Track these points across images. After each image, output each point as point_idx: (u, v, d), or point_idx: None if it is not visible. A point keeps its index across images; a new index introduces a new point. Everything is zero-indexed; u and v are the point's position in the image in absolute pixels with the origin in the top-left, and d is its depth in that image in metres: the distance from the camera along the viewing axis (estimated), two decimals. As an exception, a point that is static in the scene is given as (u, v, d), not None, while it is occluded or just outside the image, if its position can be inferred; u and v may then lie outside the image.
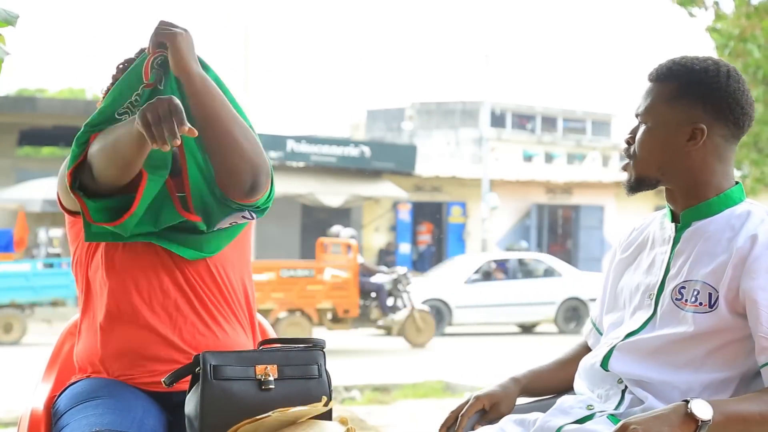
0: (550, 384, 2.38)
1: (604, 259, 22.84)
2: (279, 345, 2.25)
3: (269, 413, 2.02)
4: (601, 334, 2.32)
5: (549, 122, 36.11)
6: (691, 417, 1.87)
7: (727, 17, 11.41)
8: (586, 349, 2.38)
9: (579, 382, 2.23)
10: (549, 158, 33.75)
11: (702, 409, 1.87)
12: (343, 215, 26.10)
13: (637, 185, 2.16)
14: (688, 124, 2.09)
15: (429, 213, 28.23)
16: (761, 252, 2.00)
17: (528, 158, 33.06)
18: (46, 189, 19.47)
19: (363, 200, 26.01)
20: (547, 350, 9.20)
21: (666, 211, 2.20)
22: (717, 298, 2.03)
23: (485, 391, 2.30)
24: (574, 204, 29.97)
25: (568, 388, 2.32)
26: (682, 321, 2.06)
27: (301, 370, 2.17)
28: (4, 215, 21.88)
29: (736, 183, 2.14)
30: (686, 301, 2.07)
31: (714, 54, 11.71)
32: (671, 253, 2.13)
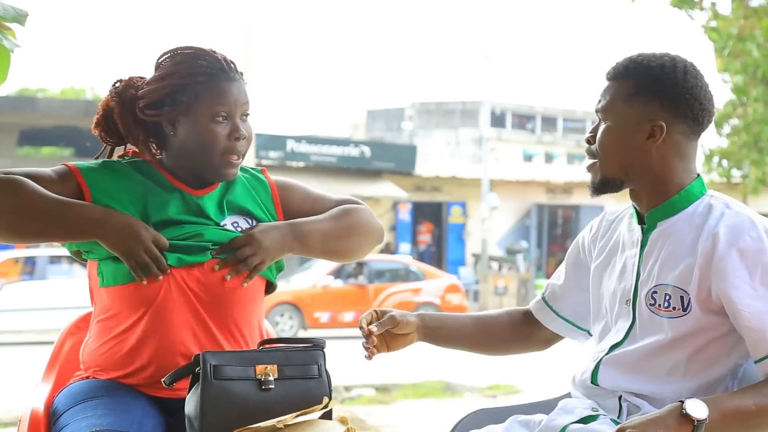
0: (458, 334, 2.37)
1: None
2: (279, 345, 2.24)
3: (273, 421, 2.00)
4: (551, 309, 2.36)
5: (549, 122, 36.08)
6: (686, 417, 1.87)
7: (724, 17, 11.41)
8: (521, 317, 2.41)
9: (576, 394, 2.23)
10: (549, 158, 33.72)
11: (697, 409, 1.87)
12: (343, 215, 26.06)
13: (602, 187, 2.14)
14: (646, 121, 2.08)
15: (429, 213, 28.23)
16: (725, 250, 2.00)
17: (528, 158, 33.04)
18: (46, 189, 19.39)
19: (363, 200, 25.94)
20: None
21: (632, 211, 2.19)
22: (689, 300, 2.03)
23: (385, 308, 2.30)
24: (574, 204, 29.95)
25: (484, 346, 2.39)
26: (660, 328, 2.07)
27: (301, 370, 2.17)
28: (4, 215, 21.82)
29: (697, 176, 2.13)
30: (660, 306, 2.07)
31: (712, 54, 11.71)
32: (640, 256, 2.13)
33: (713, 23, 11.34)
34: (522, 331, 2.41)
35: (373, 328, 2.22)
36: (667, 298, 2.05)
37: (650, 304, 2.08)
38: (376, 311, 2.28)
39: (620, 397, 2.11)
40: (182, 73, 2.26)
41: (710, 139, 14.37)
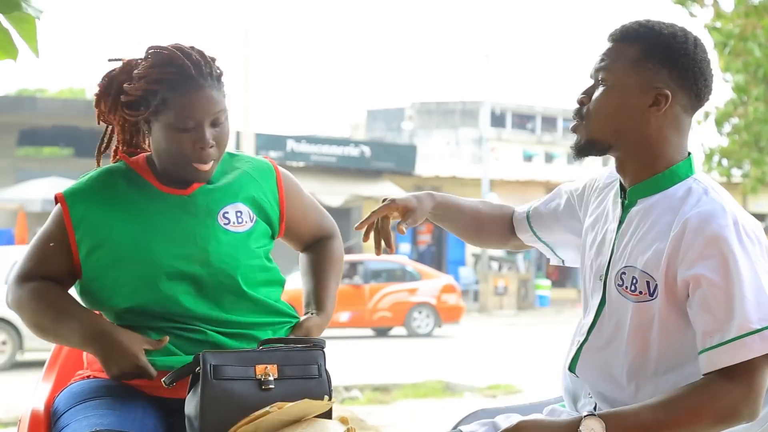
0: (462, 216, 2.44)
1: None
2: (279, 345, 2.24)
3: (267, 408, 2.01)
4: (530, 224, 2.39)
5: (549, 122, 36.09)
6: None
7: (726, 15, 11.41)
8: (508, 215, 2.45)
9: (561, 388, 2.22)
10: (549, 158, 33.74)
11: (593, 429, 1.86)
12: (343, 215, 26.10)
13: (587, 148, 2.07)
14: (651, 88, 2.01)
15: (429, 213, 28.22)
16: (692, 238, 1.94)
17: (528, 158, 33.07)
18: (46, 189, 19.44)
19: (363, 200, 26.01)
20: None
21: (617, 184, 2.14)
22: (656, 286, 1.98)
23: (401, 198, 2.35)
24: (574, 204, 29.95)
25: (472, 234, 2.46)
26: (626, 310, 2.03)
27: (301, 370, 2.16)
28: (4, 215, 21.88)
29: (689, 154, 2.07)
30: (626, 288, 2.03)
31: (714, 53, 11.72)
32: (616, 233, 2.09)
33: (718, 23, 11.34)
34: (508, 232, 2.45)
35: (403, 227, 2.30)
36: (634, 281, 2.01)
37: (618, 285, 2.04)
38: (393, 203, 2.34)
39: (595, 406, 2.10)
40: (152, 78, 2.23)
41: (710, 137, 14.37)
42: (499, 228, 2.46)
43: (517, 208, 2.45)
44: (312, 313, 2.43)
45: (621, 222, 2.08)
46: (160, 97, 2.22)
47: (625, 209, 2.08)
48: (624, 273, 2.03)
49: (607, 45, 2.08)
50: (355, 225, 2.35)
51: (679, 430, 1.89)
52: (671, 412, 1.88)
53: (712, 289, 1.91)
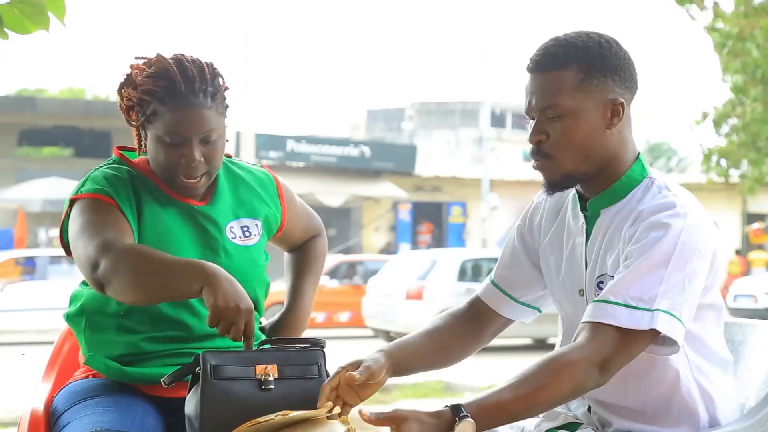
0: (419, 358, 2.18)
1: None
2: (279, 345, 2.25)
3: (272, 416, 2.01)
4: (503, 291, 2.26)
5: (549, 122, 36.12)
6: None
7: (726, 16, 11.44)
8: (468, 314, 2.27)
9: None
10: (549, 158, 33.71)
11: (464, 430, 1.84)
12: (343, 215, 26.12)
13: (564, 182, 2.05)
14: (606, 102, 2.01)
15: (429, 213, 28.24)
16: (639, 225, 1.96)
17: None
18: (46, 189, 19.44)
19: (363, 200, 26.03)
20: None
21: (574, 197, 2.13)
22: None
23: (350, 361, 2.06)
24: (573, 204, 29.94)
25: (444, 359, 2.22)
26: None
27: (301, 370, 2.17)
28: (4, 215, 21.89)
29: (638, 155, 2.07)
30: None
31: (713, 53, 11.74)
32: (585, 245, 2.09)
33: (720, 24, 11.36)
34: (472, 330, 2.26)
35: (356, 375, 2.00)
36: None
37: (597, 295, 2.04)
38: (342, 367, 2.03)
39: (589, 408, 2.11)
40: (145, 89, 2.22)
41: (709, 138, 14.39)
42: (461, 328, 2.25)
43: (477, 290, 2.30)
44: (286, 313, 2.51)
45: (588, 234, 2.08)
46: (152, 109, 2.22)
47: (589, 221, 2.09)
48: (601, 282, 2.04)
49: (538, 78, 2.03)
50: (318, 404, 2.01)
51: (539, 404, 1.90)
52: (530, 386, 1.90)
53: (634, 262, 1.92)
